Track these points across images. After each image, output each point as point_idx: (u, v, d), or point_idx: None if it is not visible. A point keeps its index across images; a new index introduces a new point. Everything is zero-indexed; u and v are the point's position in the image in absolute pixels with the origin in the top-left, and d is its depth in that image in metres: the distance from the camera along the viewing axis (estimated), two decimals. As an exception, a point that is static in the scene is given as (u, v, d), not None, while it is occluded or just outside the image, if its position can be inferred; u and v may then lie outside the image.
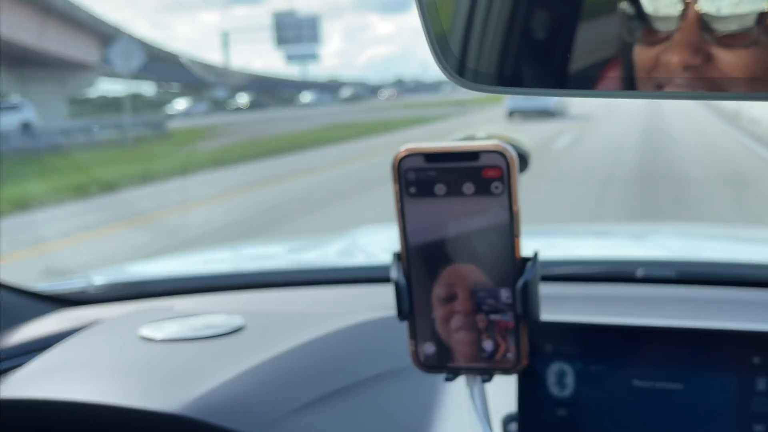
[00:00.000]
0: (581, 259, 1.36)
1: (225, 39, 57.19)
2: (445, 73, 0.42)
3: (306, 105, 41.68)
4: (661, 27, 0.39)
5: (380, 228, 1.76)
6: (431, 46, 0.42)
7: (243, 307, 1.09)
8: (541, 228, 1.97)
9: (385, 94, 53.01)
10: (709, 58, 0.38)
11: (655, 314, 0.94)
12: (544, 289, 1.18)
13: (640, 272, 1.19)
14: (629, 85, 0.40)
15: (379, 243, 1.58)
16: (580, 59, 0.41)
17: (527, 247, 0.65)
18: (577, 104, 18.72)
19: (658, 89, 0.39)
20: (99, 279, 1.43)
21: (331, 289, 1.25)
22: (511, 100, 16.82)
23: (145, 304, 1.27)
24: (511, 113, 17.56)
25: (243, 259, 1.80)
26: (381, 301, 1.05)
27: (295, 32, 55.82)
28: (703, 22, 0.38)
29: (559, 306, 0.92)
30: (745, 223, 5.09)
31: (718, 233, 1.93)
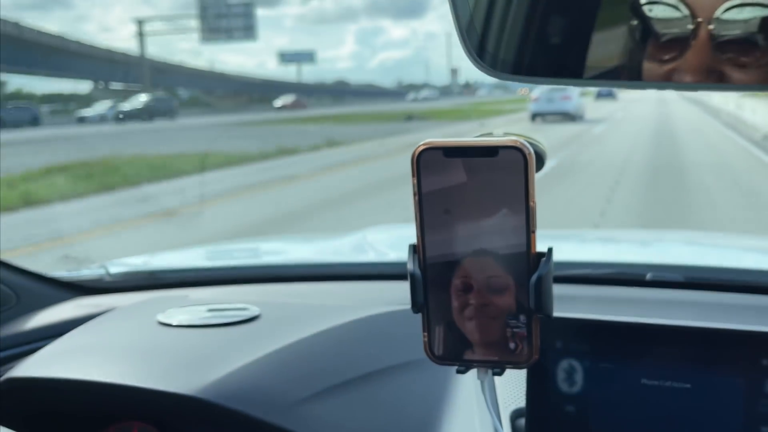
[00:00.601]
0: (591, 261, 1.37)
1: (140, 28, 44.27)
2: (475, 64, 0.44)
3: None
4: (672, 46, 0.40)
5: (389, 227, 1.79)
6: (460, 34, 0.43)
7: (257, 298, 1.11)
8: (551, 232, 1.98)
9: (280, 101, 39.78)
10: (721, 77, 0.39)
11: (663, 316, 0.95)
12: (556, 290, 1.19)
13: (649, 275, 1.20)
14: (640, 76, 0.42)
15: (388, 241, 1.60)
16: (595, 52, 0.42)
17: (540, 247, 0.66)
18: (592, 109, 23.42)
19: (668, 80, 0.41)
20: (116, 268, 1.46)
21: (343, 284, 1.27)
22: (534, 104, 19.81)
23: (161, 293, 1.30)
24: (534, 116, 19.76)
25: (257, 252, 1.82)
26: (392, 296, 1.06)
27: (225, 22, 42.28)
28: (715, 42, 0.39)
29: (569, 306, 0.93)
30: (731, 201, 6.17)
31: (725, 242, 1.93)
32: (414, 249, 0.67)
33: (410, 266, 0.66)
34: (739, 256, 1.57)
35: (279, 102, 39.71)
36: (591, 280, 1.24)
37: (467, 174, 0.64)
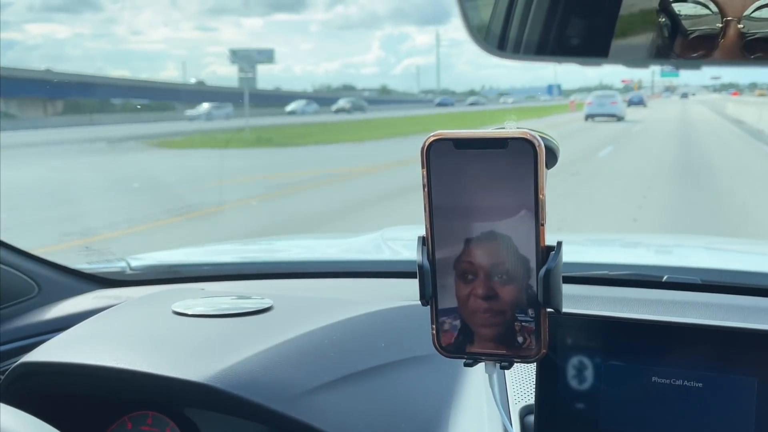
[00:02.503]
0: (608, 263, 1.36)
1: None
2: (478, 44, 0.45)
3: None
4: (700, 43, 0.40)
5: (407, 227, 1.80)
6: (462, 13, 0.44)
7: (272, 292, 1.12)
8: (569, 237, 1.97)
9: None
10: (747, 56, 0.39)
11: (679, 317, 0.94)
12: (571, 290, 1.19)
13: (665, 277, 1.19)
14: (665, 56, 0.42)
15: (404, 240, 1.60)
16: (619, 32, 0.43)
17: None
18: (628, 113, 27.53)
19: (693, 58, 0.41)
20: (136, 262, 1.49)
21: (357, 280, 1.28)
22: (588, 107, 25.54)
23: (178, 286, 1.32)
24: (587, 117, 24.92)
25: (274, 249, 1.84)
26: (404, 292, 1.07)
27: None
28: (744, 41, 0.38)
29: (584, 305, 0.93)
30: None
31: (744, 247, 1.91)
32: (423, 241, 0.67)
33: (419, 258, 0.67)
34: (758, 260, 1.55)
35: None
36: (607, 281, 1.23)
37: (477, 166, 0.64)
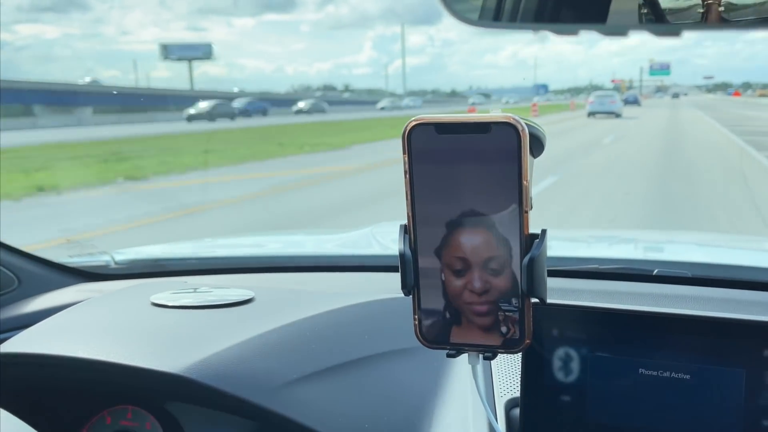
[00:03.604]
0: (599, 257, 1.35)
1: None
2: (452, 14, 0.43)
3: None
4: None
5: (398, 223, 1.78)
6: None
7: (255, 285, 1.10)
8: (560, 233, 1.97)
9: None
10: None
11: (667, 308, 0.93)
12: (562, 283, 1.18)
13: (656, 271, 1.18)
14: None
15: (394, 234, 1.59)
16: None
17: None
18: (627, 110, 31.76)
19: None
20: (120, 256, 1.47)
21: (344, 274, 1.27)
22: (590, 105, 29.16)
23: (162, 279, 1.30)
24: (589, 114, 28.37)
25: (261, 244, 1.82)
26: (390, 285, 1.05)
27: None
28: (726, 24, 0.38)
29: (574, 299, 0.92)
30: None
31: (735, 242, 1.91)
32: (405, 229, 0.66)
33: (400, 246, 0.65)
34: (748, 255, 1.54)
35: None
36: (598, 274, 1.22)
37: (460, 151, 0.62)
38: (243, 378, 0.78)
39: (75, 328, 0.91)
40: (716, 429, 0.73)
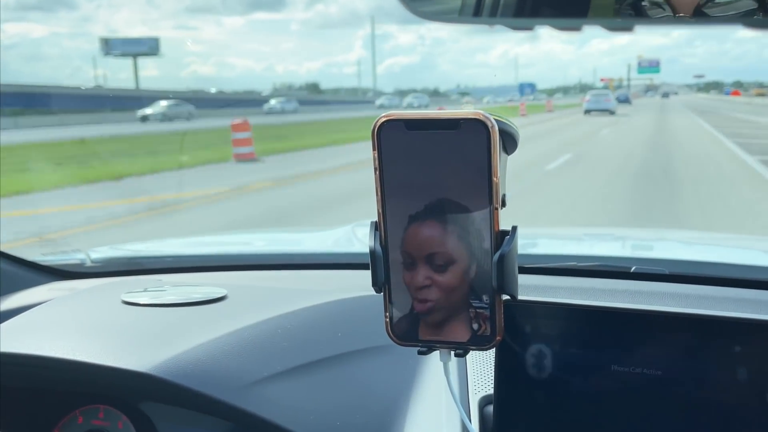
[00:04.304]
0: (577, 254, 1.35)
1: None
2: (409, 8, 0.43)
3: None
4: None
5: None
6: None
7: (232, 283, 1.09)
8: (540, 231, 1.97)
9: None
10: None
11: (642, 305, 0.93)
12: (538, 280, 1.18)
13: (633, 268, 1.19)
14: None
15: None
16: None
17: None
18: (620, 108, 34.62)
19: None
20: (95, 254, 1.45)
21: (320, 272, 1.26)
22: (586, 103, 31.14)
23: (135, 278, 1.28)
24: (586, 111, 30.28)
25: (239, 242, 1.81)
26: (365, 282, 1.05)
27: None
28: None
29: (551, 296, 0.92)
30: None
31: (713, 240, 1.93)
32: (376, 226, 0.65)
33: (371, 243, 0.65)
34: (724, 252, 1.55)
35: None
36: (575, 272, 1.22)
37: (429, 148, 0.62)
38: (212, 376, 0.77)
39: (42, 327, 0.89)
40: (689, 425, 0.74)
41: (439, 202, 0.63)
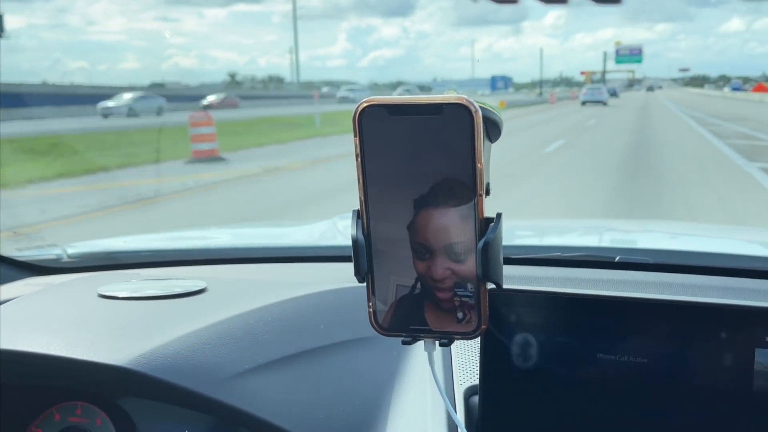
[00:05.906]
0: (562, 245, 1.35)
1: None
2: None
3: None
4: None
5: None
6: None
7: (212, 276, 1.07)
8: (526, 222, 1.97)
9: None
10: None
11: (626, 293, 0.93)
12: (524, 271, 1.17)
13: (618, 257, 1.19)
14: None
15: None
16: None
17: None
18: (612, 100, 40.77)
19: None
20: (72, 249, 1.42)
21: (302, 265, 1.24)
22: (582, 95, 37.27)
23: (113, 272, 1.26)
24: (583, 102, 36.29)
25: (220, 236, 1.78)
26: (347, 275, 1.03)
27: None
28: None
29: (536, 286, 0.91)
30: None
31: (698, 230, 1.94)
32: (358, 215, 0.64)
33: (353, 232, 0.63)
34: (708, 242, 1.56)
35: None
36: (561, 262, 1.22)
37: (412, 134, 0.61)
38: (191, 369, 0.75)
39: (15, 321, 0.87)
40: (675, 411, 0.73)
41: (423, 189, 0.61)
